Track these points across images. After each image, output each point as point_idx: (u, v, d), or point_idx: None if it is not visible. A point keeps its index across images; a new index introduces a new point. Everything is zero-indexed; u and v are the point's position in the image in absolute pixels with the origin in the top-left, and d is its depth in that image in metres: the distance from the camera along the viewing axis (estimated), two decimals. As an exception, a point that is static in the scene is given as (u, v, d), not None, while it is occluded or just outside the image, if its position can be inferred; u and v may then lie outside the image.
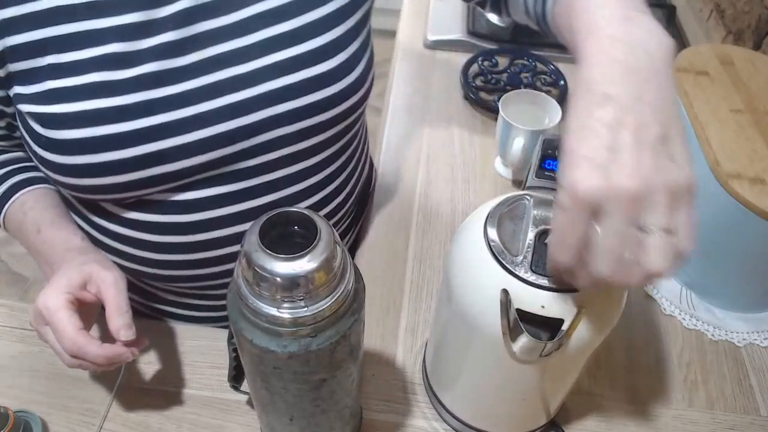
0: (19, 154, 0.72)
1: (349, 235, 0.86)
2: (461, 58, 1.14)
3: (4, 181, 0.70)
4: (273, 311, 0.42)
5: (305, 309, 0.42)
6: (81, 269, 0.59)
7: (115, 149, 0.58)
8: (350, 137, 0.74)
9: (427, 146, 1.00)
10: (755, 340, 0.78)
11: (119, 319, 0.56)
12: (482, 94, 1.09)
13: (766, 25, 1.08)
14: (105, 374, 0.68)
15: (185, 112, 0.59)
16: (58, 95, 0.57)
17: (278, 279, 0.40)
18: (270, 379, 0.47)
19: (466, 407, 0.63)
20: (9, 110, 0.63)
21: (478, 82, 1.11)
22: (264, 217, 0.43)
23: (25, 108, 0.59)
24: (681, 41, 1.23)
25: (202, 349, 0.71)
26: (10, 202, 0.69)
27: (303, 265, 0.40)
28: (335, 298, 0.43)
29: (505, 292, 0.48)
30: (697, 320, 0.79)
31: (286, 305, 0.42)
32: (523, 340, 0.48)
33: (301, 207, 0.45)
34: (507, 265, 0.48)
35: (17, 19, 0.56)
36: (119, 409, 0.65)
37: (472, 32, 1.19)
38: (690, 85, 0.83)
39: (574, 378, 0.59)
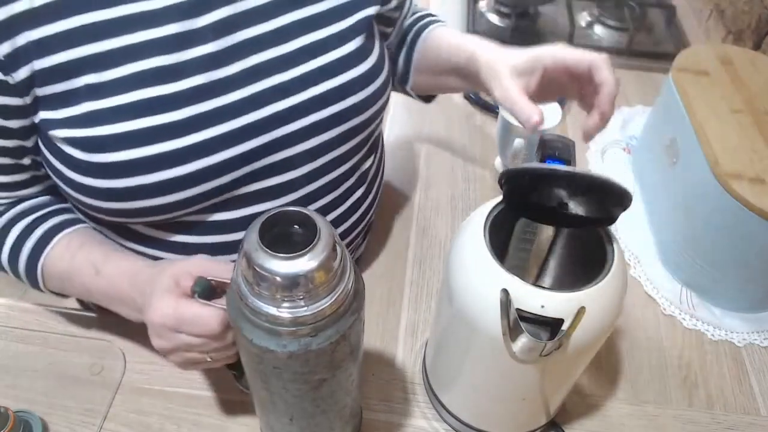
0: (43, 199, 0.65)
1: (364, 241, 0.85)
2: (461, 58, 1.14)
3: (34, 230, 0.62)
4: (273, 310, 0.42)
5: (305, 308, 0.42)
6: (165, 274, 0.53)
7: (168, 168, 0.55)
8: (374, 141, 0.74)
9: (427, 146, 1.00)
10: (755, 340, 0.78)
11: (223, 266, 0.53)
12: (482, 93, 1.09)
13: (766, 25, 1.08)
14: (105, 374, 0.68)
15: (233, 124, 0.57)
16: (100, 116, 0.53)
17: (278, 278, 0.40)
18: (270, 379, 0.47)
19: (466, 407, 0.63)
20: (30, 143, 0.58)
21: (478, 82, 1.11)
22: (264, 217, 0.43)
23: (60, 133, 0.54)
24: (681, 41, 1.23)
25: (202, 349, 0.71)
26: (46, 251, 0.61)
27: (303, 264, 0.40)
28: (335, 297, 0.43)
29: (505, 292, 0.48)
30: (697, 320, 0.79)
31: (285, 304, 0.41)
32: (523, 340, 0.48)
33: (307, 208, 0.44)
34: (507, 265, 0.48)
35: (48, 39, 0.51)
36: (119, 409, 0.65)
37: (472, 32, 1.19)
38: (690, 85, 0.83)
39: (574, 378, 0.59)
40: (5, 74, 0.51)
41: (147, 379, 0.68)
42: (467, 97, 1.09)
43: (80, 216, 0.65)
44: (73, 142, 0.54)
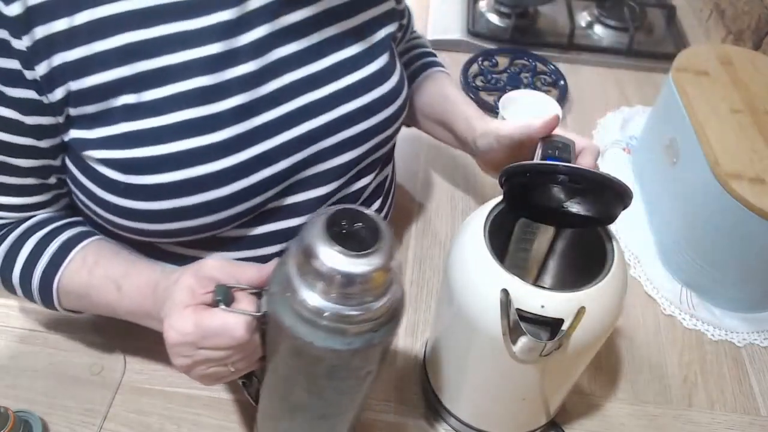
0: (50, 214, 0.61)
1: None
2: (461, 58, 1.14)
3: (48, 245, 0.58)
4: (343, 310, 0.41)
5: (374, 304, 0.41)
6: (178, 286, 0.49)
7: (208, 190, 0.55)
8: (390, 152, 0.75)
9: (427, 146, 1.00)
10: (755, 340, 0.78)
11: (251, 268, 0.49)
12: (482, 94, 1.09)
13: (766, 25, 1.08)
14: (105, 374, 0.68)
15: (271, 143, 0.57)
16: (139, 137, 0.52)
17: (354, 277, 0.40)
18: (317, 379, 0.46)
19: (466, 407, 0.63)
20: (57, 162, 0.56)
21: (478, 82, 1.11)
22: (326, 215, 0.41)
23: (96, 154, 0.53)
24: (681, 41, 1.23)
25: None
26: (62, 269, 0.58)
27: (375, 260, 0.40)
28: (396, 289, 0.43)
29: (505, 292, 0.48)
30: (697, 320, 0.79)
31: (354, 302, 0.41)
32: (523, 340, 0.48)
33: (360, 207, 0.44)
34: (507, 265, 0.49)
35: (86, 60, 0.50)
36: (119, 409, 0.65)
37: (472, 32, 1.19)
38: (690, 85, 0.83)
39: (574, 378, 0.59)
40: (41, 94, 0.50)
41: (147, 379, 0.68)
42: (467, 97, 1.09)
43: (92, 229, 0.62)
44: (110, 163, 0.53)
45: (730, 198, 0.70)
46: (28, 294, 0.60)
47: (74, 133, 0.53)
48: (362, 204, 0.69)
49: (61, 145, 0.55)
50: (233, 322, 0.46)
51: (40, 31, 0.48)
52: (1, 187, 0.56)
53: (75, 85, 0.50)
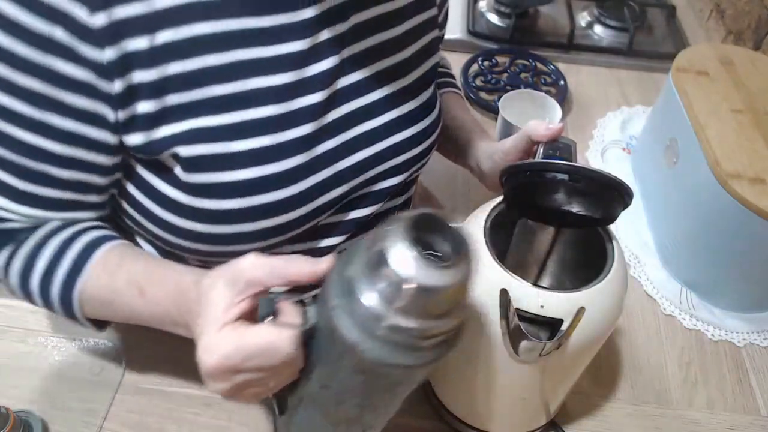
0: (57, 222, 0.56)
1: None
2: (461, 58, 1.14)
3: (69, 248, 0.53)
4: (423, 324, 0.37)
5: (452, 318, 0.38)
6: (211, 302, 0.43)
7: (272, 217, 0.55)
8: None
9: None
10: (755, 340, 0.78)
11: (301, 264, 0.43)
12: (482, 94, 1.09)
13: (766, 25, 1.08)
14: (105, 374, 0.68)
15: (329, 171, 0.58)
16: (209, 162, 0.51)
17: (440, 290, 0.36)
18: (375, 394, 0.43)
19: (465, 407, 0.63)
20: (103, 181, 0.53)
21: (478, 82, 1.11)
22: (409, 218, 0.36)
23: (158, 178, 0.53)
24: (681, 41, 1.23)
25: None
26: (83, 274, 0.53)
27: (458, 273, 0.36)
28: (470, 301, 0.40)
29: (504, 292, 0.48)
30: (697, 320, 0.79)
31: (434, 316, 0.37)
32: (523, 340, 0.48)
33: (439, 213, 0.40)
34: (507, 265, 0.49)
35: (161, 81, 0.48)
36: (119, 409, 0.65)
37: (472, 32, 1.19)
38: (690, 85, 0.83)
39: (574, 378, 0.59)
40: (114, 110, 0.48)
41: (147, 379, 0.68)
42: (467, 97, 1.09)
43: (115, 232, 0.58)
44: (176, 183, 0.52)
45: (730, 198, 0.70)
46: (48, 304, 0.56)
47: (138, 149, 0.51)
48: None
49: (115, 165, 0.53)
50: (280, 339, 0.40)
51: (116, 50, 0.46)
52: (35, 199, 0.53)
53: (147, 105, 0.49)
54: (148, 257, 0.56)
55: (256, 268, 0.42)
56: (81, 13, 0.44)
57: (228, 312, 0.42)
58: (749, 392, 0.72)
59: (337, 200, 0.60)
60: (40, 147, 0.49)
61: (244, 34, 0.50)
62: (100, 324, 0.59)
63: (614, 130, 1.04)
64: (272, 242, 0.57)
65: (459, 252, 0.36)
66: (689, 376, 0.73)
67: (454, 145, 0.78)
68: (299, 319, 0.42)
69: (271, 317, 0.42)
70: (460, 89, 0.85)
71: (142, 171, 0.54)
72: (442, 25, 0.72)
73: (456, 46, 1.19)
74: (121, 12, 0.45)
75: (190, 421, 0.65)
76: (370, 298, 0.36)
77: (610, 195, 0.51)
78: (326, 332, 0.39)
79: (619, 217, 0.52)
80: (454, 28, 1.20)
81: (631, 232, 0.88)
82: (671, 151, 0.83)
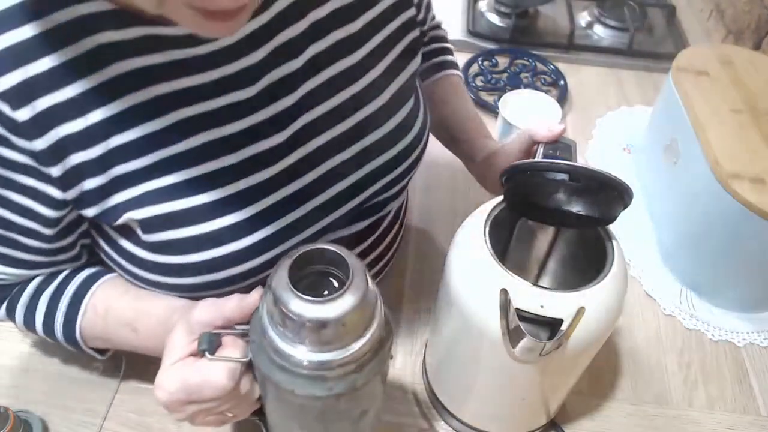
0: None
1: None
2: (461, 58, 1.14)
3: (60, 299, 0.57)
4: (319, 357, 0.39)
5: (351, 347, 0.40)
6: (170, 342, 0.47)
7: (241, 264, 0.53)
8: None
9: (428, 146, 1.00)
10: (755, 340, 0.78)
11: (233, 301, 0.47)
12: (482, 94, 1.09)
13: (766, 25, 1.08)
14: (105, 374, 0.68)
15: (303, 210, 0.55)
16: (168, 219, 0.50)
17: (325, 323, 0.38)
18: (311, 423, 0.45)
19: (466, 407, 0.63)
20: (69, 240, 0.55)
21: (478, 82, 1.11)
22: (290, 259, 0.40)
23: (120, 235, 0.53)
24: (681, 41, 1.23)
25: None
26: (78, 321, 0.57)
27: (345, 303, 0.38)
28: (375, 327, 0.41)
29: (504, 292, 0.48)
30: (697, 320, 0.79)
31: (330, 347, 0.39)
32: (523, 340, 0.48)
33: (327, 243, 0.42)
34: (507, 265, 0.48)
35: (104, 156, 0.48)
36: (119, 409, 0.65)
37: (472, 32, 1.20)
38: (690, 85, 0.83)
39: (574, 378, 0.59)
40: (60, 190, 0.48)
41: (147, 379, 0.68)
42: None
43: (98, 268, 0.60)
44: (138, 242, 0.52)
45: (730, 198, 0.70)
46: (62, 344, 0.60)
47: (97, 218, 0.51)
48: (381, 233, 0.68)
49: (82, 233, 0.55)
50: (213, 374, 0.44)
51: (52, 135, 0.46)
52: (12, 260, 0.55)
53: (94, 181, 0.48)
54: (131, 293, 0.57)
55: (202, 310, 0.47)
56: (6, 110, 0.44)
57: (179, 351, 0.46)
58: (749, 392, 0.72)
59: (320, 233, 0.58)
60: (7, 219, 0.51)
61: (187, 91, 0.48)
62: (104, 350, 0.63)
63: (614, 130, 1.04)
64: (253, 282, 0.55)
65: (346, 282, 0.39)
66: (689, 376, 0.73)
67: (452, 141, 0.77)
68: (239, 353, 0.45)
69: (207, 353, 0.44)
70: (458, 66, 0.82)
71: (108, 230, 0.54)
72: (425, 21, 0.70)
73: (456, 46, 1.17)
74: (45, 102, 0.45)
75: (190, 421, 0.65)
76: (271, 334, 0.40)
77: (610, 195, 0.51)
78: (255, 365, 0.43)
79: (619, 217, 0.52)
80: (454, 28, 1.20)
81: (631, 231, 0.88)
82: (671, 151, 0.83)
